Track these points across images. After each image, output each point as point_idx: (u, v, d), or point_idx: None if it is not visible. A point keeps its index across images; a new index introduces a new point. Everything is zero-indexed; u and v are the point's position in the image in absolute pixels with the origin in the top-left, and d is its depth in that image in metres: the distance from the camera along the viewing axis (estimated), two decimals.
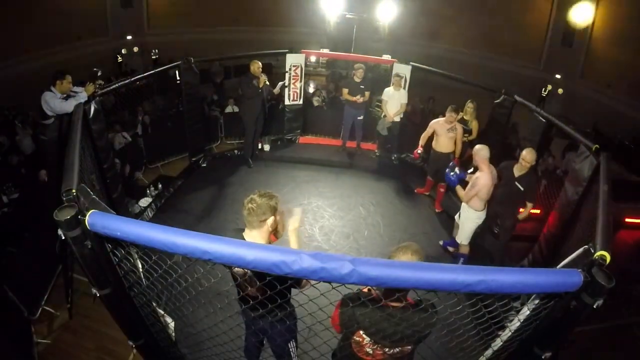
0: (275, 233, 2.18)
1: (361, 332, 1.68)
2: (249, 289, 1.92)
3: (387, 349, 1.70)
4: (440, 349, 1.95)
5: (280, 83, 5.99)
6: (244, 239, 2.02)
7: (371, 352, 1.73)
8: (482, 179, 3.51)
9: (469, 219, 3.77)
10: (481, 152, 3.56)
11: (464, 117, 5.06)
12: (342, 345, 1.85)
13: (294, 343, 2.37)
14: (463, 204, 3.80)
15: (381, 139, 6.31)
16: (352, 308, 1.59)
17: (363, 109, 6.08)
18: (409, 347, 1.73)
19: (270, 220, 1.99)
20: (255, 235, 2.02)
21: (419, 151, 4.87)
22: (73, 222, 1.21)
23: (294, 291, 1.95)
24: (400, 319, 1.53)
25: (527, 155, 3.62)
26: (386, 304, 1.39)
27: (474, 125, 5.10)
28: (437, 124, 4.76)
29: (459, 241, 3.98)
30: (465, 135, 4.96)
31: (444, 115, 4.71)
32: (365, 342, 1.70)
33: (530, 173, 3.73)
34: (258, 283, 1.84)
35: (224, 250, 1.10)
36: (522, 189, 3.70)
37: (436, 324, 1.63)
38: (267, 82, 5.51)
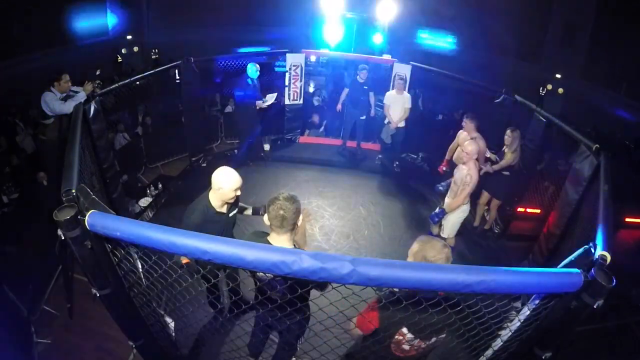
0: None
1: (404, 329, 1.67)
2: (270, 292, 1.91)
3: (424, 342, 1.72)
4: (441, 348, 1.95)
5: (270, 95, 5.67)
6: (268, 243, 1.99)
7: (408, 348, 1.73)
8: (474, 176, 3.56)
9: (456, 213, 3.77)
10: (470, 147, 3.55)
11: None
12: (378, 348, 1.81)
13: (302, 339, 2.40)
14: (447, 200, 3.82)
15: (384, 145, 6.19)
16: (392, 309, 1.53)
17: (365, 109, 6.07)
18: (443, 336, 1.75)
19: (299, 222, 2.03)
20: (284, 239, 1.98)
21: (444, 168, 4.75)
22: (73, 222, 1.21)
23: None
24: (437, 311, 1.50)
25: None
26: (420, 298, 1.38)
27: (508, 157, 4.32)
28: (462, 135, 4.60)
29: (446, 236, 3.91)
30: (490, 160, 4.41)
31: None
32: (405, 339, 1.70)
33: None
34: (279, 287, 1.83)
35: (223, 251, 1.10)
36: None
37: (467, 317, 1.62)
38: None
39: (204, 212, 2.41)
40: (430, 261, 1.68)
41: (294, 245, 2.06)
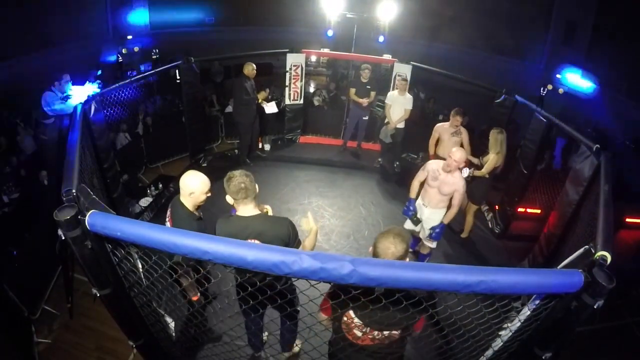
0: None
1: (351, 312, 1.69)
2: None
3: (375, 333, 1.72)
4: (441, 348, 1.95)
5: (270, 104, 5.74)
6: (242, 221, 2.12)
7: (360, 334, 1.74)
8: (462, 181, 3.40)
9: (440, 218, 3.63)
10: (458, 154, 3.30)
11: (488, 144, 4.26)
12: (336, 337, 1.86)
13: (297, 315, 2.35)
14: (428, 209, 3.68)
15: (384, 145, 6.07)
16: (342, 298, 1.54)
17: (368, 109, 6.08)
18: (397, 333, 1.74)
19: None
20: (251, 207, 2.14)
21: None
22: (73, 222, 1.21)
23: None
24: (391, 306, 1.48)
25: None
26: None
27: (491, 160, 4.12)
28: (442, 128, 4.64)
29: (431, 244, 3.77)
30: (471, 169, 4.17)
31: (446, 118, 4.62)
32: (353, 322, 1.71)
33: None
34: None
35: (224, 251, 1.10)
36: None
37: (424, 312, 1.61)
38: (269, 97, 5.52)
39: (190, 223, 2.35)
40: (377, 252, 1.67)
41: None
